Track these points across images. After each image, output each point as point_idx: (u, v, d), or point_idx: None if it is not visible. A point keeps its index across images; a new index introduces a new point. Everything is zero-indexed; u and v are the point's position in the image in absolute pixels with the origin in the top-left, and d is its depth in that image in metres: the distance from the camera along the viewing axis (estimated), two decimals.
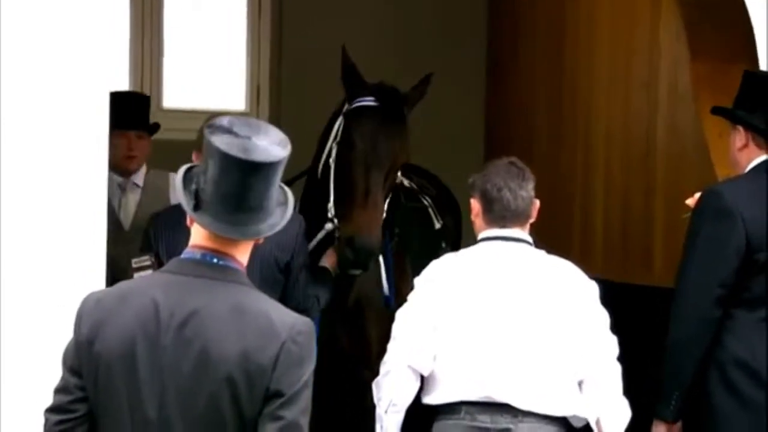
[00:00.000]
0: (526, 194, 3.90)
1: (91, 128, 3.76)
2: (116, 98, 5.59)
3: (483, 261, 3.87)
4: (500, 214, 3.88)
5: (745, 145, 4.18)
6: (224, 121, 2.73)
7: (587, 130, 6.55)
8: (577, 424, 3.83)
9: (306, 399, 2.70)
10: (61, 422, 2.73)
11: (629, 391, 5.89)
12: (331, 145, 4.79)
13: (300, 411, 2.67)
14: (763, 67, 4.89)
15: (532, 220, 3.95)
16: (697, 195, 4.18)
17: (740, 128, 4.18)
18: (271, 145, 2.71)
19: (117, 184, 5.15)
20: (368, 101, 4.79)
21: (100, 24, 3.78)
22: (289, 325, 2.70)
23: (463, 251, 3.97)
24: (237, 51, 7.65)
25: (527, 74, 7.13)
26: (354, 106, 4.81)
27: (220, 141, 2.68)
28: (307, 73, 7.27)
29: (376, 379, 3.93)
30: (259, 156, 2.68)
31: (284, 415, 2.65)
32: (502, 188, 3.87)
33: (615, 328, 6.15)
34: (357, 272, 4.69)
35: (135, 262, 4.36)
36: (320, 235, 4.72)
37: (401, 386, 3.86)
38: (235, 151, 2.67)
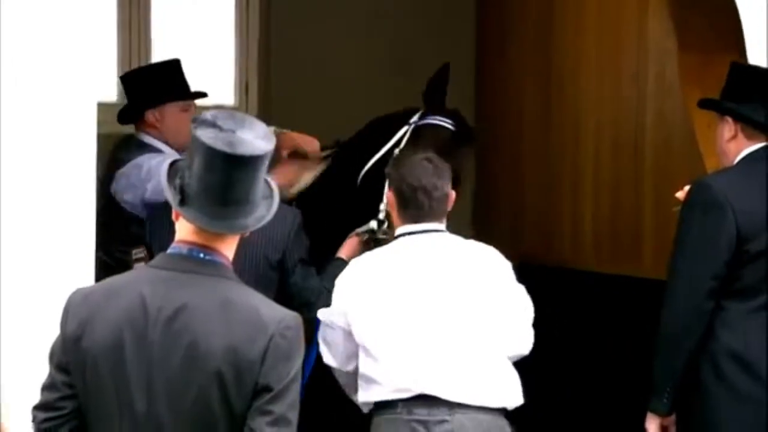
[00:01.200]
0: (441, 193, 3.93)
1: (79, 123, 3.75)
2: (155, 70, 5.27)
3: (402, 257, 3.90)
4: (415, 215, 3.92)
5: (734, 136, 4.18)
6: (208, 115, 2.73)
7: (576, 123, 6.55)
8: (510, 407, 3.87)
9: (294, 393, 2.70)
10: (48, 419, 2.73)
11: (619, 384, 5.90)
12: (392, 150, 4.80)
13: (288, 405, 2.67)
14: (751, 58, 4.87)
15: (448, 210, 3.99)
16: (687, 188, 4.18)
17: (729, 119, 4.18)
18: (256, 138, 2.70)
19: None
20: (446, 122, 4.83)
21: (87, 20, 3.77)
22: (277, 320, 2.70)
23: (383, 248, 4.00)
24: (225, 46, 7.63)
25: (516, 67, 7.12)
26: (429, 122, 4.86)
27: (204, 135, 2.68)
28: (296, 68, 7.26)
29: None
30: (244, 149, 2.67)
31: (273, 410, 2.65)
32: (417, 189, 3.90)
33: (605, 320, 6.16)
34: None
35: (135, 253, 4.39)
36: (363, 228, 4.73)
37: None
38: (219, 145, 2.67)
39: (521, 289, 3.97)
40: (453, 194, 3.98)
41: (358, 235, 4.71)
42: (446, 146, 4.74)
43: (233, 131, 2.69)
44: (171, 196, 2.73)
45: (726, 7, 5.05)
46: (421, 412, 3.73)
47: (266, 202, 2.78)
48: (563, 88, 6.66)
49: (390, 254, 3.93)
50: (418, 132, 4.86)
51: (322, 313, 3.94)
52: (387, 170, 4.05)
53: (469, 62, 7.66)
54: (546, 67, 6.80)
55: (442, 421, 3.72)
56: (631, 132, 6.12)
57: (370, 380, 3.81)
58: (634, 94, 6.07)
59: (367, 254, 4.03)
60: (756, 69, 4.43)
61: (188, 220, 2.73)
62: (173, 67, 4.94)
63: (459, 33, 7.61)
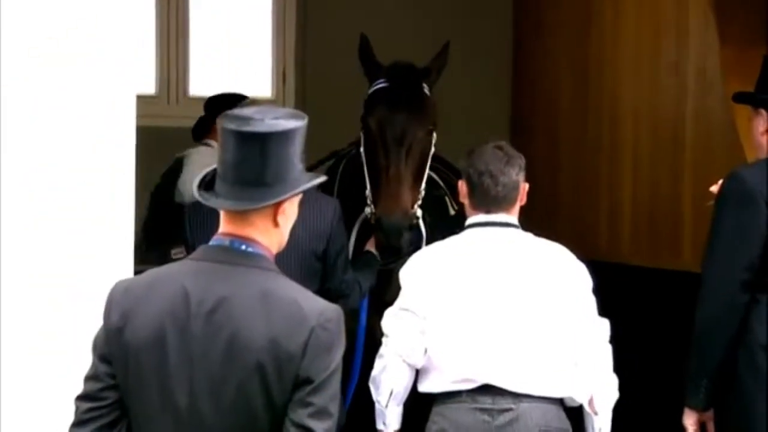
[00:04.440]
0: (508, 180, 3.90)
1: (119, 115, 3.76)
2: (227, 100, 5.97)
3: (470, 249, 3.88)
4: (482, 200, 3.90)
5: None
6: (247, 110, 2.73)
7: (614, 115, 6.52)
8: (570, 404, 3.85)
9: (335, 385, 2.70)
10: (91, 410, 2.73)
11: (657, 379, 5.87)
12: (360, 135, 4.84)
13: (330, 397, 2.67)
14: None
15: (522, 203, 3.96)
16: (721, 181, 4.16)
17: (763, 112, 4.16)
18: (272, 119, 2.68)
19: None
20: (380, 84, 4.84)
21: (126, 12, 3.78)
22: (317, 312, 2.69)
23: (449, 239, 3.98)
24: (262, 37, 7.65)
25: (553, 57, 7.10)
26: (370, 92, 4.88)
27: (227, 122, 2.69)
28: (333, 57, 7.26)
29: (372, 377, 3.96)
30: (254, 127, 2.66)
31: (314, 402, 2.65)
32: (483, 173, 3.88)
33: (643, 313, 6.13)
34: (394, 259, 4.66)
35: (173, 253, 4.42)
36: (359, 219, 4.76)
37: (399, 378, 3.90)
38: (234, 125, 2.67)
39: (590, 284, 3.93)
40: (525, 185, 3.95)
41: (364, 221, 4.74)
42: (387, 106, 4.76)
43: (262, 119, 2.68)
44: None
45: None
46: (486, 400, 3.74)
47: (290, 185, 2.73)
48: (601, 79, 6.63)
49: (459, 245, 3.91)
50: (366, 107, 4.86)
51: (396, 311, 3.90)
52: (460, 163, 4.05)
53: (505, 50, 7.65)
54: (583, 58, 6.77)
55: (507, 410, 3.74)
56: (670, 125, 6.09)
57: (434, 371, 3.82)
58: (673, 86, 6.04)
59: (437, 244, 4.02)
60: None
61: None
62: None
63: (495, 18, 7.60)
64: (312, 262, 4.24)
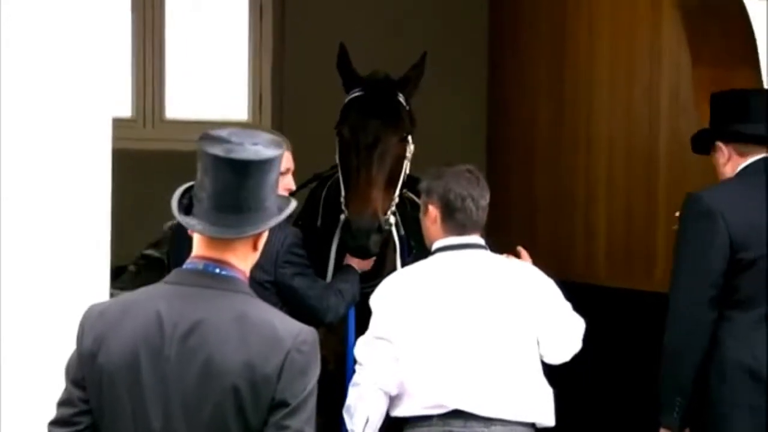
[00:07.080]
0: (485, 203, 3.96)
1: (94, 138, 3.77)
2: None
3: (441, 273, 3.89)
4: (461, 224, 3.91)
5: (729, 159, 4.24)
6: (224, 132, 2.73)
7: (589, 137, 6.55)
8: (542, 425, 3.87)
9: (311, 408, 2.70)
10: None
11: (635, 399, 5.87)
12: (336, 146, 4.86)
13: (305, 420, 2.67)
14: (764, 73, 4.89)
15: None
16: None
17: (720, 144, 4.23)
18: (255, 146, 2.70)
19: None
20: (356, 93, 4.86)
21: (102, 35, 3.78)
22: (293, 335, 2.69)
23: (420, 264, 3.99)
24: (239, 60, 7.65)
25: (529, 79, 7.13)
26: (345, 101, 4.89)
27: (207, 145, 2.69)
28: (310, 81, 7.27)
29: (346, 406, 3.93)
30: (239, 155, 2.67)
31: (289, 425, 2.65)
32: (465, 198, 3.90)
33: (618, 334, 6.15)
34: (366, 255, 4.66)
35: None
36: (337, 230, 4.76)
37: (375, 406, 3.88)
38: (217, 151, 2.67)
39: (566, 307, 3.95)
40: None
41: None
42: (360, 113, 4.78)
43: (241, 144, 2.69)
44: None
45: (739, 22, 5.07)
46: (457, 424, 3.75)
47: (271, 213, 2.75)
48: (577, 101, 6.66)
49: (430, 270, 3.92)
50: (341, 116, 4.87)
51: (368, 340, 3.90)
52: (424, 185, 4.03)
53: (481, 70, 7.68)
54: (559, 80, 6.80)
55: None
56: (644, 146, 6.12)
57: (406, 396, 3.82)
58: (647, 108, 6.08)
59: (407, 269, 4.04)
60: (735, 92, 4.46)
61: (188, 226, 2.73)
62: None
63: (471, 38, 7.63)
64: (261, 293, 4.22)
